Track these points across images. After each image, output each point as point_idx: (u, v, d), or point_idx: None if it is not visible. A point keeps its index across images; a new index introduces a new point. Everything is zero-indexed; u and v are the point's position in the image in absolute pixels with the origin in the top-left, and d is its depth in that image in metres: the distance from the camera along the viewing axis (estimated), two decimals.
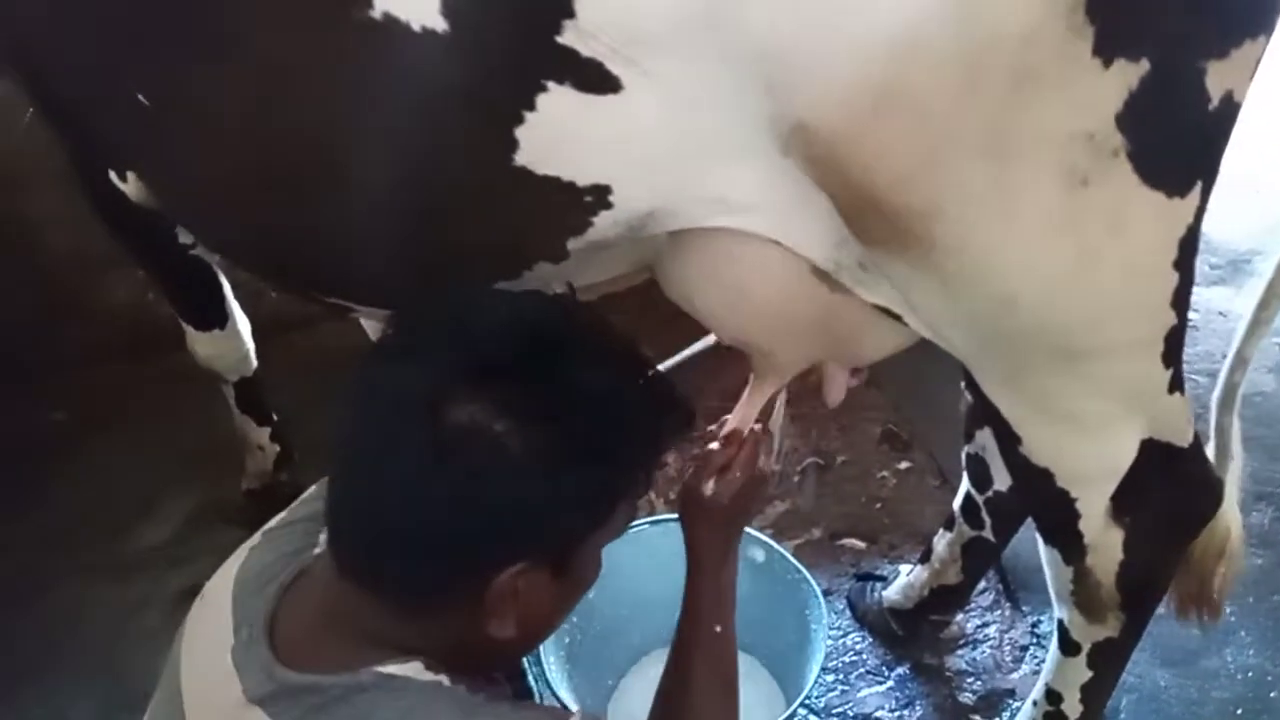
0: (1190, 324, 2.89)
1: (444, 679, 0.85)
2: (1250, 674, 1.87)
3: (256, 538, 1.01)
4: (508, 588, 0.84)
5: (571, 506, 0.86)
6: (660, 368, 1.28)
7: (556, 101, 0.87)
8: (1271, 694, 1.83)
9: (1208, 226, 3.27)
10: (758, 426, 1.23)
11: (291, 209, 1.01)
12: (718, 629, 1.12)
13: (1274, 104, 3.18)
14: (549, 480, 0.83)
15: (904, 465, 2.34)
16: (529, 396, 0.83)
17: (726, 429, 1.23)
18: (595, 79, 0.86)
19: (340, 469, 0.88)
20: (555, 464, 0.83)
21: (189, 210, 1.21)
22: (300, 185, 0.98)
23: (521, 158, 0.90)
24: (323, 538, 0.95)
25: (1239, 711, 1.81)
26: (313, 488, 1.05)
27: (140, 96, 0.99)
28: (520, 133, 0.89)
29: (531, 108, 0.87)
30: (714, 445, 1.22)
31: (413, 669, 0.85)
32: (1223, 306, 2.71)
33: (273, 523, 1.03)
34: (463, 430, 0.81)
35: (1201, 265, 2.83)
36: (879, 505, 2.25)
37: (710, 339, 1.30)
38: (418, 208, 0.97)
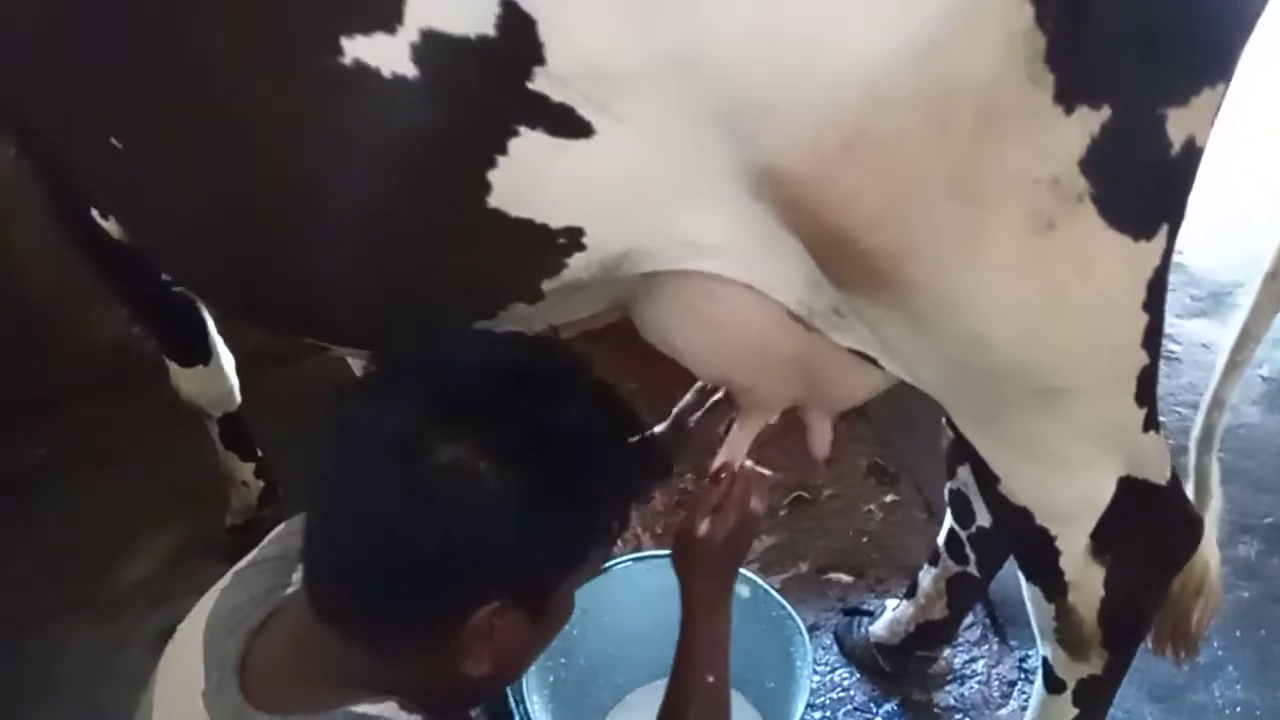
0: (1173, 356, 2.92)
1: (418, 718, 0.85)
2: (1238, 708, 1.86)
3: (227, 579, 1.01)
4: (483, 625, 0.84)
5: (547, 546, 0.87)
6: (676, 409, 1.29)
7: (528, 146, 0.88)
8: None
9: (1189, 258, 3.31)
10: (748, 463, 1.23)
11: (265, 252, 1.02)
12: (710, 679, 1.11)
13: (1255, 138, 3.23)
14: (526, 519, 0.84)
15: (891, 499, 2.34)
16: (507, 436, 0.83)
17: (715, 465, 1.23)
18: (567, 124, 0.87)
19: (316, 507, 0.88)
20: (532, 504, 0.84)
21: (164, 252, 1.21)
22: (273, 229, 0.99)
23: (495, 200, 0.91)
24: (295, 576, 0.96)
25: None
26: (281, 526, 1.05)
27: (113, 140, 1.00)
28: (493, 176, 0.89)
29: (504, 151, 0.88)
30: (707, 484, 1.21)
31: (387, 709, 0.84)
32: (1205, 338, 2.73)
33: (243, 563, 1.03)
34: (440, 469, 0.81)
35: (1183, 297, 2.87)
36: (866, 539, 2.25)
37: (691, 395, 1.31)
38: (392, 250, 0.98)
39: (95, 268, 1.56)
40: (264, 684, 0.87)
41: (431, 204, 0.93)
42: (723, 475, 1.20)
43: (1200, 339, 2.72)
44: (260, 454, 2.08)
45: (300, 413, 1.08)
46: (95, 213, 1.29)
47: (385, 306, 1.02)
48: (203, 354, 1.80)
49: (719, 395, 1.31)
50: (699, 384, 1.34)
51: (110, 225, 1.29)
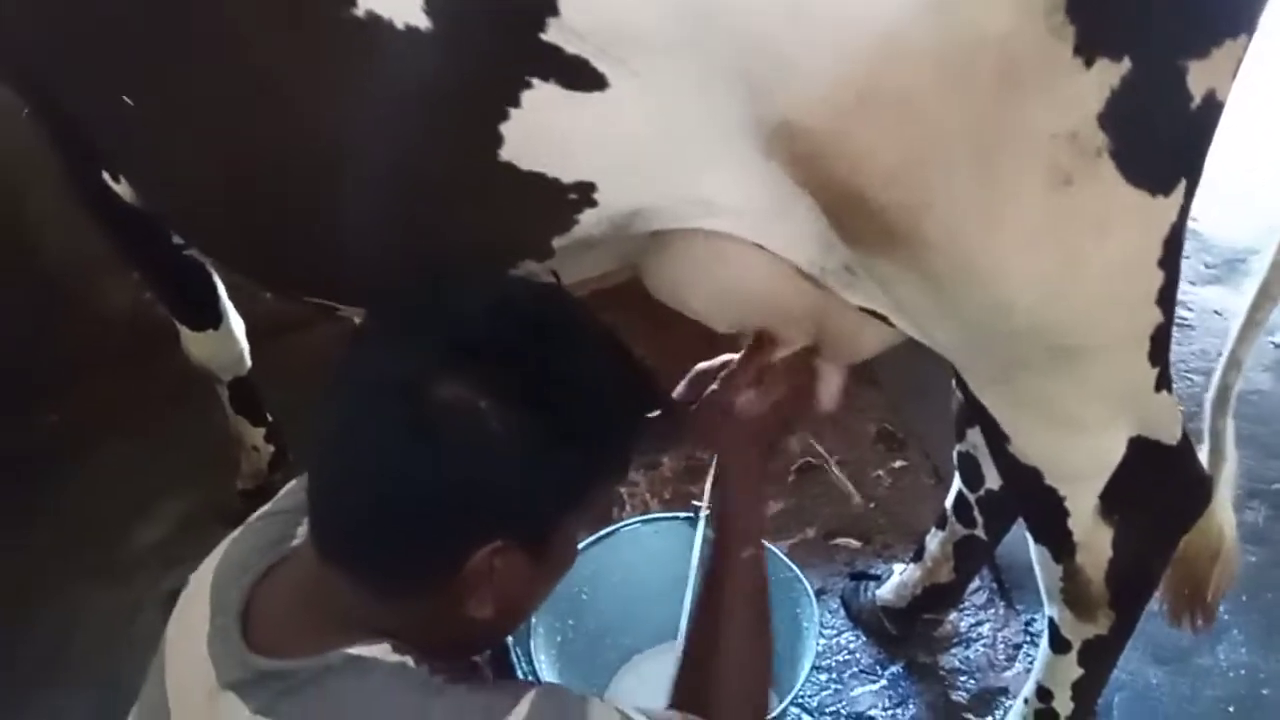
0: (1186, 323, 2.91)
1: (409, 660, 0.86)
2: (1243, 671, 1.87)
3: (239, 530, 1.02)
4: (485, 565, 0.85)
5: (550, 487, 0.87)
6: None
7: (541, 98, 0.87)
8: (1264, 691, 1.83)
9: (1204, 226, 3.29)
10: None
11: (274, 209, 1.02)
12: (748, 554, 1.10)
13: (1270, 106, 3.20)
14: (529, 460, 0.85)
15: (899, 464, 2.34)
16: (512, 378, 0.84)
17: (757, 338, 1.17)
18: (580, 77, 0.86)
19: (323, 447, 0.89)
20: (536, 444, 0.85)
21: (174, 211, 1.21)
22: (282, 185, 0.98)
23: (506, 154, 0.91)
24: (301, 530, 0.97)
25: (1231, 709, 1.81)
26: (294, 481, 1.06)
27: (125, 98, 1.00)
28: (505, 129, 0.89)
29: (516, 104, 0.88)
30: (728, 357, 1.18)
31: (380, 650, 0.86)
32: (1218, 305, 2.71)
33: (254, 516, 1.04)
34: (445, 408, 0.82)
35: (1197, 265, 2.86)
36: (874, 505, 2.25)
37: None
38: (402, 205, 0.98)
39: (107, 232, 1.56)
40: (267, 628, 0.89)
41: (443, 157, 0.92)
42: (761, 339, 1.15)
43: (1213, 306, 2.71)
44: (270, 419, 2.09)
45: (312, 379, 1.09)
46: (106, 175, 1.29)
47: (396, 264, 1.02)
48: (213, 318, 1.80)
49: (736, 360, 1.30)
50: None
51: (122, 188, 1.29)
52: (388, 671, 0.86)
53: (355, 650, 0.86)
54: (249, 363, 1.94)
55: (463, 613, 0.88)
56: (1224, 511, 1.31)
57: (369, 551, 0.87)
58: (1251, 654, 1.90)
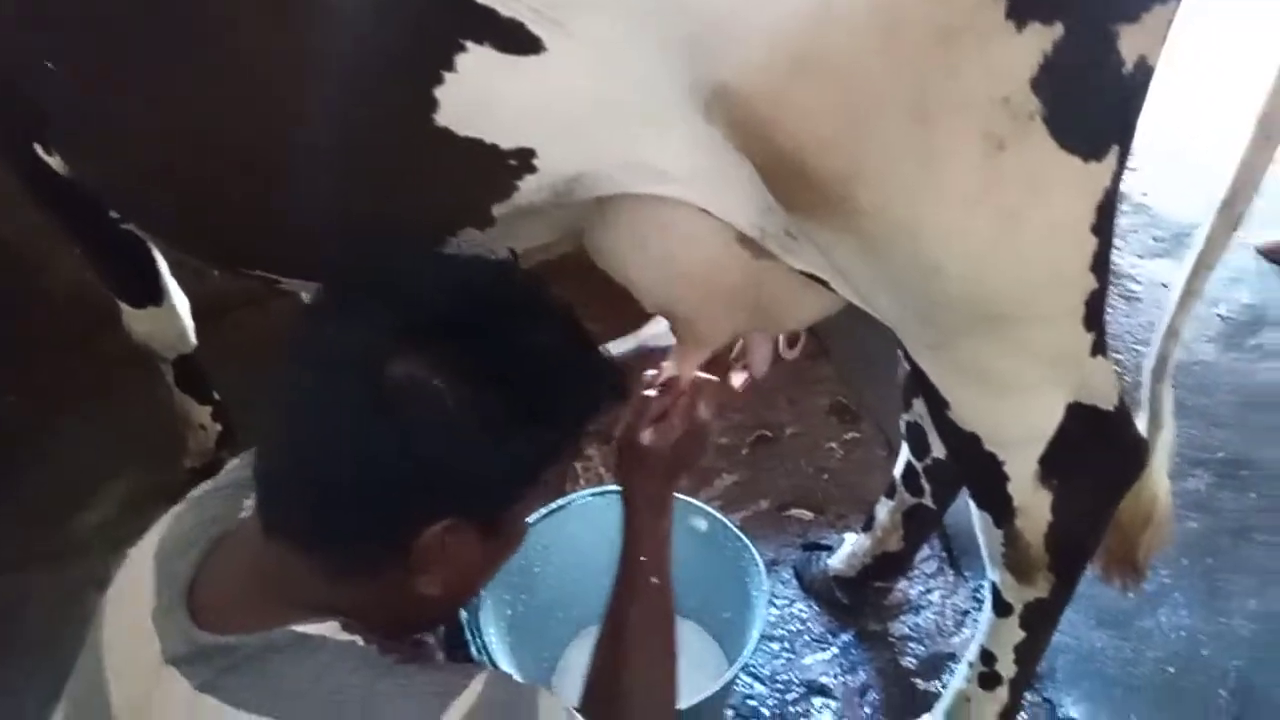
0: (1134, 295, 2.95)
1: (358, 639, 0.86)
2: (1183, 633, 1.92)
3: (182, 504, 1.01)
4: (435, 542, 0.85)
5: (503, 465, 0.87)
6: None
7: (476, 62, 0.86)
8: (1204, 652, 1.88)
9: (1151, 200, 3.33)
10: (698, 373, 1.22)
11: (207, 178, 1.00)
12: (655, 580, 1.12)
13: (1216, 80, 3.25)
14: (484, 438, 0.84)
15: (851, 436, 2.37)
16: (467, 355, 0.84)
17: (662, 378, 1.22)
18: (516, 40, 0.86)
19: (275, 424, 0.88)
20: (490, 422, 0.84)
21: (106, 184, 1.19)
22: (217, 153, 0.96)
23: (443, 119, 0.90)
24: (248, 503, 0.96)
25: (1171, 670, 1.86)
26: (240, 456, 1.05)
27: (48, 63, 0.97)
28: (440, 93, 0.88)
29: (451, 68, 0.87)
30: (650, 392, 1.21)
31: (328, 628, 0.85)
32: (1165, 278, 2.76)
33: (198, 489, 1.03)
34: (401, 386, 0.82)
35: (1145, 238, 2.90)
36: (826, 476, 2.28)
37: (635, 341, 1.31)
38: (338, 172, 0.96)
39: (42, 207, 1.53)
40: (212, 604, 0.88)
41: (380, 122, 0.91)
42: (668, 384, 1.20)
43: (1161, 279, 2.75)
44: (217, 397, 2.06)
45: (260, 356, 1.08)
46: (38, 148, 1.26)
47: (335, 234, 1.01)
48: (154, 295, 1.77)
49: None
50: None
51: (55, 161, 1.26)
52: (335, 650, 0.85)
53: (302, 628, 0.85)
54: (194, 340, 1.90)
55: (412, 590, 0.87)
56: (1159, 478, 1.33)
57: (319, 528, 0.86)
58: (1192, 617, 1.94)
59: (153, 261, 1.73)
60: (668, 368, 1.23)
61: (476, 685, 0.85)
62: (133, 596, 0.92)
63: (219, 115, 0.94)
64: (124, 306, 1.78)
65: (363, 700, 0.82)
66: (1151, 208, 2.99)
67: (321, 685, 0.83)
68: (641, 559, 1.13)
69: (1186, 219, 2.97)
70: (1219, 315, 2.67)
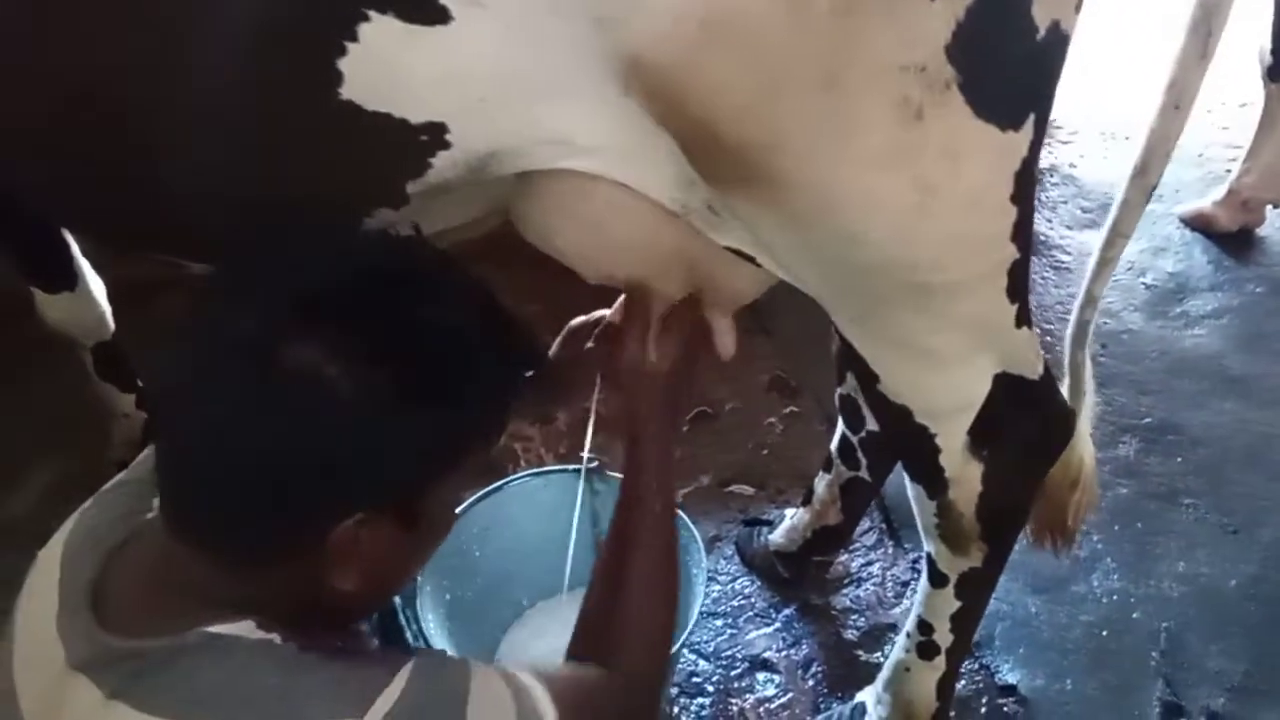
0: (1064, 265, 3.00)
1: (275, 637, 0.82)
2: (1115, 597, 1.96)
3: (88, 502, 0.96)
4: (348, 538, 0.81)
5: (410, 451, 0.83)
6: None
7: (380, 32, 0.83)
8: (1134, 615, 1.93)
9: (1080, 171, 3.39)
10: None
11: (103, 156, 0.95)
12: (658, 508, 1.09)
13: (1144, 52, 3.31)
14: (383, 424, 0.80)
15: (791, 411, 2.38)
16: (362, 336, 0.80)
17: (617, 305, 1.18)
18: (420, 9, 0.82)
19: (167, 415, 0.84)
20: (389, 407, 0.80)
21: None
22: (110, 129, 0.92)
23: (347, 92, 0.86)
24: (157, 500, 0.91)
25: (1104, 633, 1.90)
26: (147, 450, 1.00)
27: None
28: (344, 65, 0.85)
29: (354, 38, 0.83)
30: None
31: (243, 628, 0.81)
32: (1094, 249, 2.81)
33: (107, 485, 0.99)
34: (288, 374, 0.77)
35: (1073, 209, 2.95)
36: (766, 451, 2.29)
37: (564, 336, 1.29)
38: (243, 149, 0.92)
39: None
40: (120, 606, 0.84)
41: (283, 97, 0.87)
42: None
43: (1089, 249, 2.78)
44: (141, 384, 2.00)
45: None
46: None
47: (238, 214, 0.96)
48: (68, 279, 1.71)
49: (609, 314, 1.28)
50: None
51: None
52: (250, 649, 0.81)
53: (215, 628, 0.81)
54: (112, 325, 1.84)
55: (328, 586, 0.83)
56: (1083, 442, 1.35)
57: (220, 527, 0.82)
58: (1123, 580, 1.99)
59: (64, 245, 1.67)
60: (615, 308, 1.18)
61: (400, 679, 0.81)
62: (40, 600, 0.87)
63: (103, 84, 0.89)
64: (37, 292, 1.71)
65: (281, 700, 0.79)
66: (1079, 178, 3.04)
67: (237, 687, 0.79)
68: (645, 488, 1.08)
69: (1114, 190, 3.01)
70: (1144, 284, 2.73)
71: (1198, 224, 2.89)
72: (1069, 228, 2.87)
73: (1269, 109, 2.69)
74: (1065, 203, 2.95)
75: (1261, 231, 2.89)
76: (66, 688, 0.81)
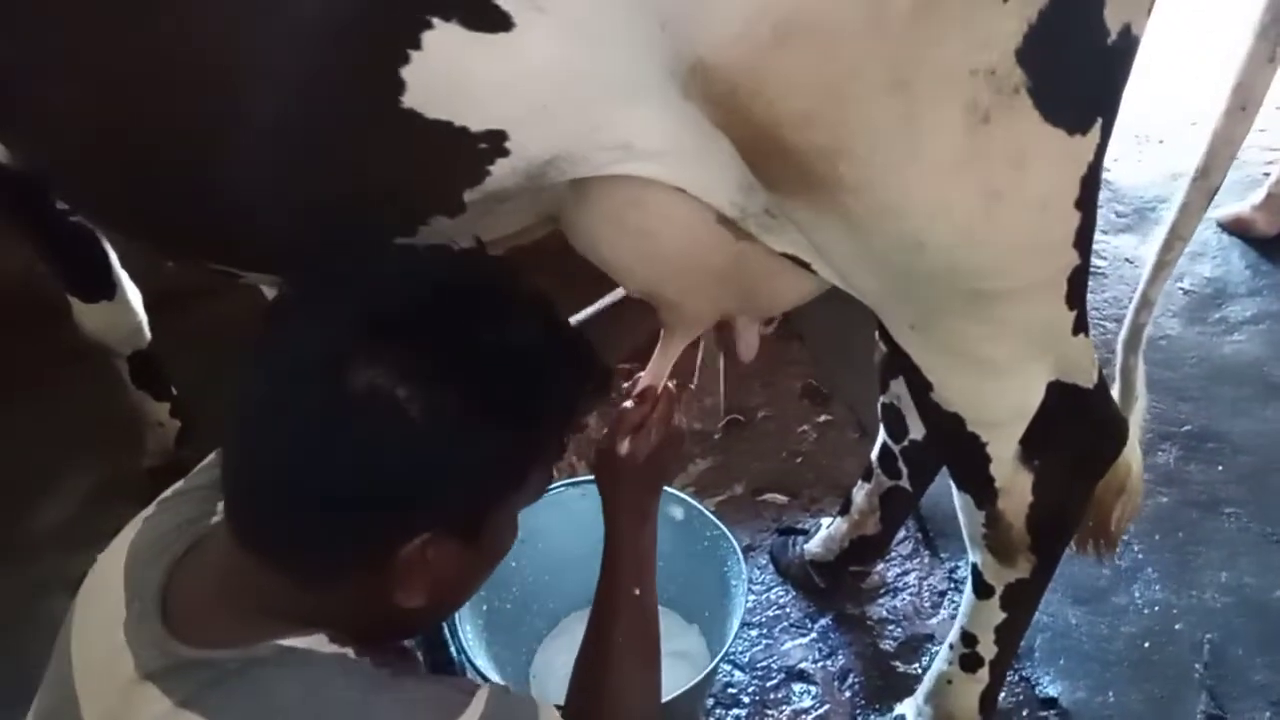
0: (1098, 270, 2.98)
1: (349, 652, 0.82)
2: (1156, 608, 1.93)
3: (151, 508, 0.96)
4: (416, 557, 0.81)
5: (480, 472, 0.83)
6: (571, 320, 1.25)
7: (444, 40, 0.82)
8: (1176, 625, 1.90)
9: (1115, 175, 3.37)
10: (672, 384, 1.22)
11: (162, 164, 0.94)
12: (636, 592, 1.10)
13: (1178, 58, 3.28)
14: (454, 445, 0.80)
15: (824, 419, 2.36)
16: (432, 357, 0.79)
17: (639, 386, 1.21)
18: (484, 16, 0.82)
19: (236, 433, 0.83)
20: (460, 428, 0.79)
21: (53, 169, 1.13)
22: (171, 136, 0.91)
23: (409, 100, 0.86)
24: (220, 505, 0.91)
25: (1146, 644, 1.87)
26: (211, 455, 1.00)
27: None
28: (407, 73, 0.84)
29: (417, 46, 0.82)
30: (627, 403, 1.19)
31: (315, 641, 0.81)
32: (1129, 253, 2.78)
33: (168, 492, 0.98)
34: (362, 395, 0.77)
35: (1108, 213, 2.92)
36: (800, 460, 2.27)
37: (617, 293, 1.27)
38: (302, 158, 0.91)
39: None
40: (187, 615, 0.83)
41: (343, 104, 0.87)
42: (644, 394, 1.19)
43: (1125, 254, 2.77)
44: (175, 393, 2.00)
45: (218, 351, 1.04)
46: None
47: (295, 224, 0.96)
48: (106, 288, 1.71)
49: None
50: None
51: None
52: (324, 663, 0.81)
53: (287, 642, 0.81)
54: (148, 335, 1.84)
55: (392, 603, 0.83)
56: (1132, 449, 1.34)
57: (287, 541, 0.82)
58: (1165, 591, 1.96)
59: (104, 253, 1.67)
60: (642, 378, 1.21)
61: (478, 704, 0.81)
62: (102, 606, 0.87)
63: (166, 94, 0.88)
64: (74, 301, 1.72)
65: (357, 715, 0.78)
66: (1114, 182, 3.01)
67: (312, 700, 0.78)
68: (622, 572, 1.11)
69: (1149, 193, 2.99)
70: (1182, 290, 2.70)
71: (1235, 228, 2.85)
72: (1104, 233, 2.84)
73: None
74: (1100, 207, 2.91)
75: None
76: (134, 697, 0.80)
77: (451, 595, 0.92)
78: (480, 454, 0.81)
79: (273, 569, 0.82)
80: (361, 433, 0.77)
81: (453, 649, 1.54)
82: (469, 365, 0.80)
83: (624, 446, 1.15)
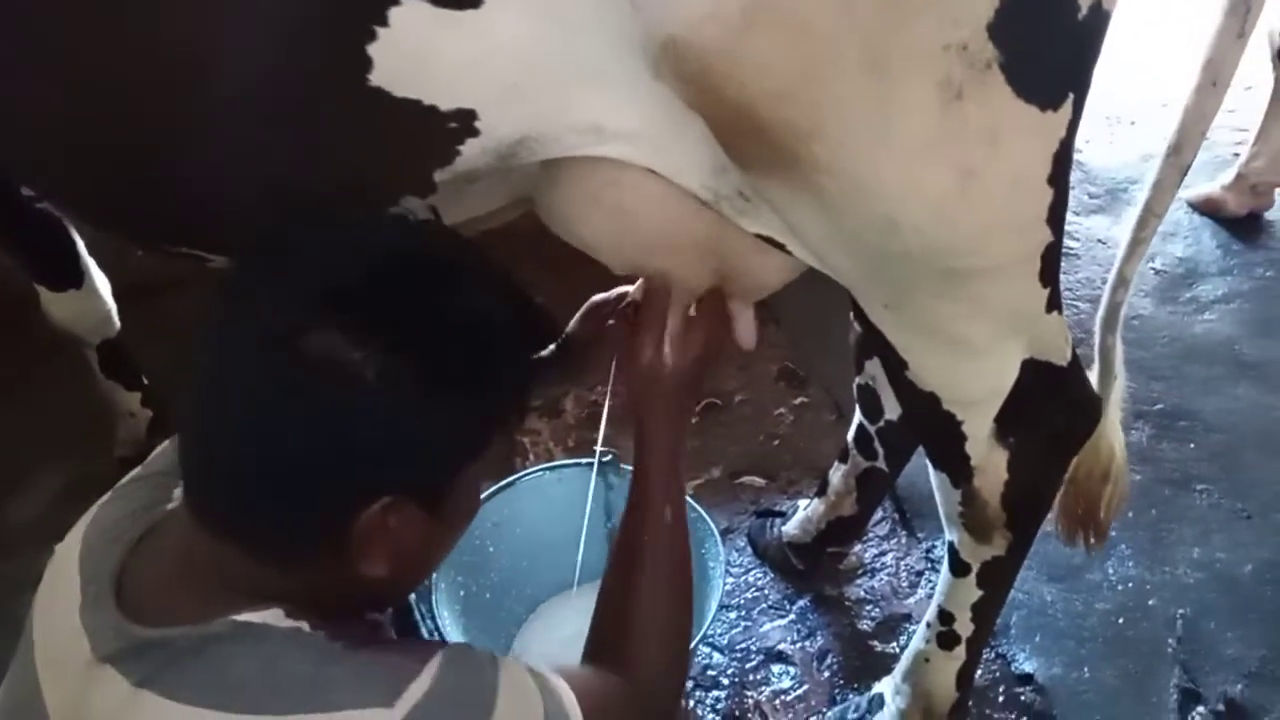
0: (1071, 251, 3.00)
1: (304, 625, 0.82)
2: (1130, 584, 1.95)
3: (107, 495, 0.96)
4: (376, 524, 0.81)
5: (437, 439, 0.83)
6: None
7: (409, 16, 0.81)
8: (1150, 602, 1.92)
9: (1087, 156, 3.38)
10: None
11: (124, 143, 0.92)
12: (668, 513, 1.07)
13: (1148, 39, 3.30)
14: (411, 413, 0.80)
15: (801, 402, 2.37)
16: (386, 323, 0.79)
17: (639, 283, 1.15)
18: None
19: (193, 405, 0.83)
20: (416, 393, 0.80)
21: (15, 152, 1.10)
22: (133, 114, 0.89)
23: (376, 78, 0.84)
24: (177, 492, 0.91)
25: (1120, 620, 1.89)
26: (166, 443, 1.00)
27: None
28: (373, 50, 0.83)
29: (383, 23, 0.81)
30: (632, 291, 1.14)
31: (272, 615, 0.81)
32: (1102, 234, 2.80)
33: (124, 479, 0.98)
34: (315, 360, 0.77)
35: (1081, 194, 2.94)
36: (777, 442, 2.27)
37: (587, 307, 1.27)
38: (268, 136, 0.90)
39: None
40: (143, 596, 0.83)
41: (309, 81, 0.85)
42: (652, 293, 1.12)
43: (1098, 235, 2.79)
44: (146, 382, 1.98)
45: (188, 341, 1.02)
46: None
47: (261, 204, 0.94)
48: (73, 277, 1.69)
49: (632, 291, 1.27)
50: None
51: None
52: (280, 637, 0.81)
53: (243, 616, 0.80)
54: (118, 324, 1.82)
55: (356, 573, 0.83)
56: (1113, 431, 1.34)
57: (247, 515, 0.82)
58: (1138, 568, 1.98)
59: (71, 242, 1.65)
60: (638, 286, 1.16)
61: (431, 669, 0.81)
62: (60, 594, 0.86)
63: (129, 72, 0.87)
64: (42, 290, 1.69)
65: (311, 688, 0.78)
66: (1086, 164, 3.03)
67: (267, 675, 0.78)
68: (653, 495, 1.07)
69: (1120, 175, 3.01)
70: (1154, 270, 2.72)
71: (1206, 208, 2.88)
72: (1076, 214, 2.86)
73: (1278, 92, 2.68)
74: (1072, 189, 2.93)
75: (1270, 215, 2.89)
76: (93, 680, 0.80)
77: (414, 566, 0.91)
78: (437, 421, 0.81)
79: (233, 545, 0.82)
80: (318, 400, 0.77)
81: (424, 631, 1.53)
82: (424, 332, 0.80)
83: (667, 356, 1.08)
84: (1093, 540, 1.43)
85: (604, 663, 1.00)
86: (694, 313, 1.15)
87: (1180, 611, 1.90)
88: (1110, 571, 1.97)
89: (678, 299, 1.12)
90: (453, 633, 1.52)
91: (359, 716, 0.76)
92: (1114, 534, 2.02)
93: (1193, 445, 2.23)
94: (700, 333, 1.11)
